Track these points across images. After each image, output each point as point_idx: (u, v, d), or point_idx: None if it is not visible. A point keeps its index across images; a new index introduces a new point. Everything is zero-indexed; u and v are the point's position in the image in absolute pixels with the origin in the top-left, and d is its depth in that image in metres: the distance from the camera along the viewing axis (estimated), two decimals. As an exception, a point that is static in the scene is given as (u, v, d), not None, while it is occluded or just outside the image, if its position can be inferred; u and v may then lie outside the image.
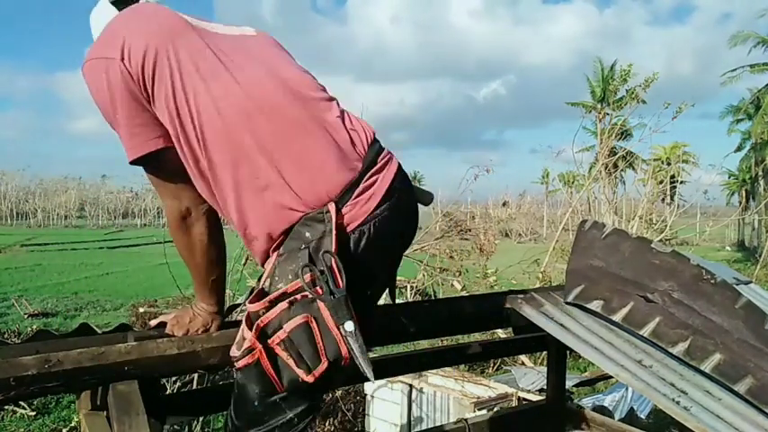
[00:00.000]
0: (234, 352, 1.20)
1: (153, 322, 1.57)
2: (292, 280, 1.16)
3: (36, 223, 65.62)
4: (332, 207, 1.19)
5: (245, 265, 5.93)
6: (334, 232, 1.17)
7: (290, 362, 1.15)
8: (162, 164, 1.26)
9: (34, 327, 10.97)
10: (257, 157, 1.20)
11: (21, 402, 6.74)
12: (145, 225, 67.48)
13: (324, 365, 1.15)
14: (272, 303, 1.15)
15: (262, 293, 1.19)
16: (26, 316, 13.14)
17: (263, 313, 1.15)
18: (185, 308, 1.58)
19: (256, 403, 1.23)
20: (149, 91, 1.20)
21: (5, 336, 9.79)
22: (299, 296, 1.15)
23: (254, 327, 1.14)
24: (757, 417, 1.58)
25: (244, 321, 1.19)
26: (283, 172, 1.21)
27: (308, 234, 1.19)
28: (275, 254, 1.23)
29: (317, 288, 1.13)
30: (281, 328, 1.14)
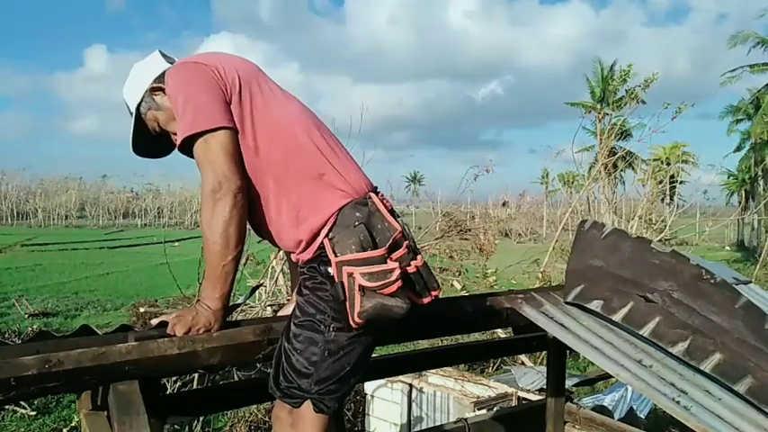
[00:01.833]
0: (369, 283, 1.41)
1: (153, 321, 1.58)
2: (355, 249, 1.44)
3: (36, 223, 65.59)
4: (374, 195, 1.56)
5: (245, 265, 5.93)
6: (384, 210, 1.53)
7: (417, 287, 1.51)
8: (219, 140, 1.50)
9: (35, 327, 10.95)
10: (315, 154, 1.56)
11: (21, 402, 6.74)
12: (145, 225, 67.47)
13: (438, 290, 1.57)
14: (391, 249, 1.46)
15: (319, 262, 1.50)
16: (27, 316, 13.12)
17: (389, 254, 1.46)
18: (188, 307, 1.58)
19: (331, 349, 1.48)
20: (231, 95, 1.54)
21: (6, 335, 9.78)
22: (407, 242, 1.50)
23: (389, 261, 1.45)
24: (757, 416, 1.58)
25: (350, 271, 1.43)
26: (335, 165, 1.56)
27: (358, 214, 1.50)
28: (326, 239, 1.49)
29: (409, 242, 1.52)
30: (410, 264, 1.49)
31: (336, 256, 1.45)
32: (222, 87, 1.54)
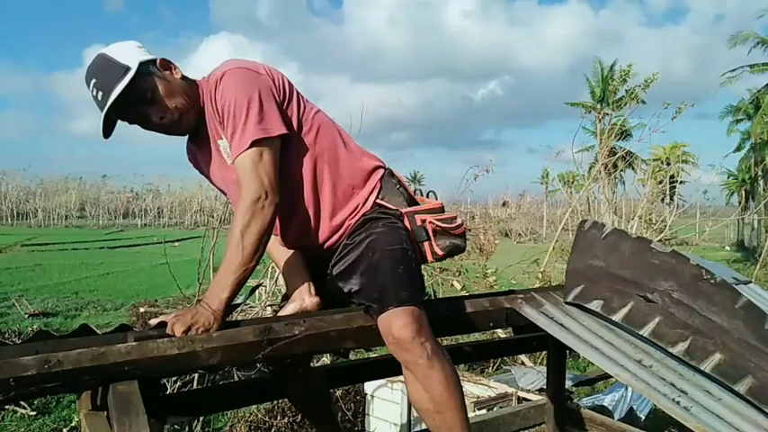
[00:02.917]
0: (445, 225, 1.80)
1: (153, 321, 1.58)
2: (403, 201, 1.82)
3: (36, 223, 65.56)
4: (394, 171, 1.89)
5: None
6: (404, 181, 1.88)
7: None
8: (272, 148, 1.62)
9: (35, 327, 10.94)
10: (351, 142, 1.85)
11: (21, 402, 6.73)
12: (145, 225, 67.45)
13: None
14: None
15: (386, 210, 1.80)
16: (27, 316, 13.11)
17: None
18: (188, 307, 1.59)
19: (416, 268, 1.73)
20: (284, 96, 1.70)
21: (6, 336, 9.78)
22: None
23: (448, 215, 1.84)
24: (757, 416, 1.58)
25: (423, 218, 1.80)
26: (362, 147, 1.88)
27: (394, 180, 1.86)
28: (377, 199, 1.81)
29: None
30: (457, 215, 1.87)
31: (398, 209, 1.79)
32: (276, 93, 1.66)
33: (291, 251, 1.89)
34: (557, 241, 9.94)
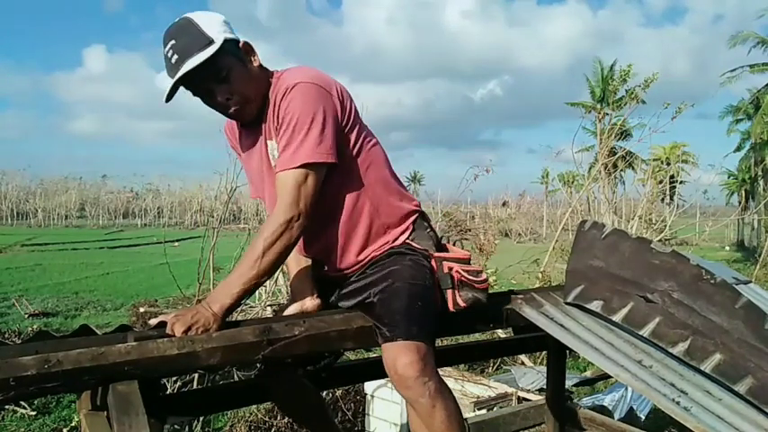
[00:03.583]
0: (471, 277, 1.76)
1: (152, 321, 1.58)
2: (432, 245, 1.80)
3: (36, 223, 65.51)
4: (424, 215, 1.88)
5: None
6: (435, 228, 1.91)
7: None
8: (318, 173, 1.62)
9: (35, 327, 10.92)
10: (396, 181, 1.86)
11: (21, 402, 6.73)
12: (145, 225, 67.40)
13: None
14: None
15: (412, 250, 1.79)
16: (26, 316, 13.09)
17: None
18: (188, 307, 1.59)
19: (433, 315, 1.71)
20: (346, 125, 1.68)
21: (6, 336, 9.76)
22: None
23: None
24: (757, 416, 1.58)
25: (450, 266, 1.76)
26: (403, 185, 1.89)
27: (425, 223, 1.86)
28: (408, 239, 1.80)
29: None
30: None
31: (427, 251, 1.77)
32: (341, 118, 1.65)
33: (304, 264, 1.90)
34: (557, 241, 9.94)
